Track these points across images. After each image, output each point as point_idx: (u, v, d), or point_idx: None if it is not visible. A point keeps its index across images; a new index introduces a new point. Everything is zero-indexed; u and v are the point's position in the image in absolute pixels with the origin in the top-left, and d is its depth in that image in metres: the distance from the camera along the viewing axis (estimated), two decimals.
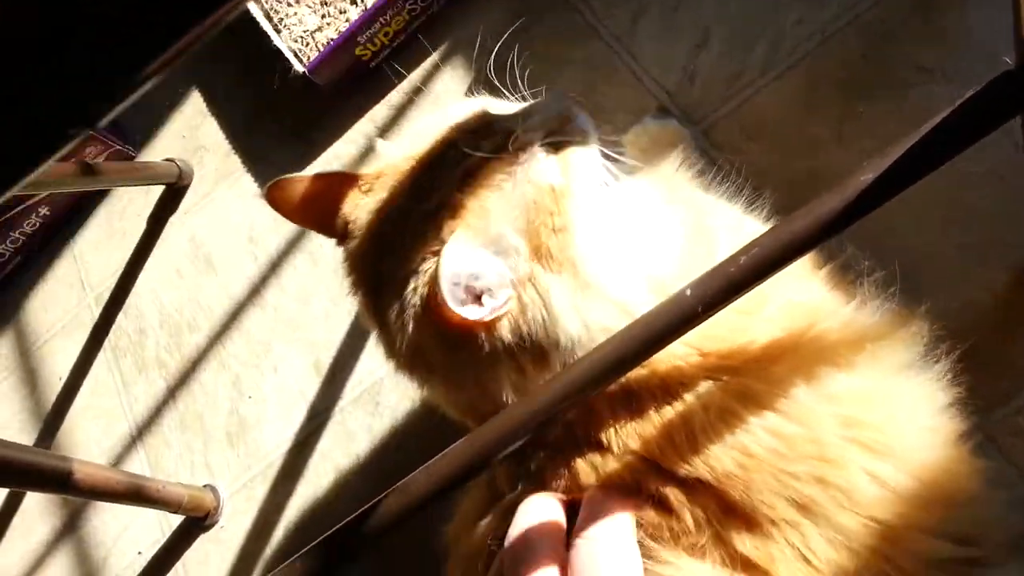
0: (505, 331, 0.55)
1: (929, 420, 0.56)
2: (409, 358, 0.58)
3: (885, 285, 0.60)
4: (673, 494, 0.52)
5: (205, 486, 0.99)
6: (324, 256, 1.05)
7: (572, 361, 0.55)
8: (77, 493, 0.84)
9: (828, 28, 0.86)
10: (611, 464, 0.54)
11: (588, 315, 0.55)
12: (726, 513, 0.52)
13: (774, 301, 0.57)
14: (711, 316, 0.52)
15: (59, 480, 0.78)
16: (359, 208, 0.63)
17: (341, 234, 0.64)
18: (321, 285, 1.04)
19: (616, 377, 0.53)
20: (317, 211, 0.65)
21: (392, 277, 0.58)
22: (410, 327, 0.56)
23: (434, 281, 0.53)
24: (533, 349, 0.55)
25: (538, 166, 0.58)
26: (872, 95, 0.82)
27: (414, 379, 0.60)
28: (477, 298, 0.55)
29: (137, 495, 0.90)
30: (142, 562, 1.00)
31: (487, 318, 0.54)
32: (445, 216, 0.57)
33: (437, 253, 0.55)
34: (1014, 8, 0.47)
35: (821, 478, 0.52)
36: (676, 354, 0.55)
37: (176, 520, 1.00)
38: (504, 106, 0.66)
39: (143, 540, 1.01)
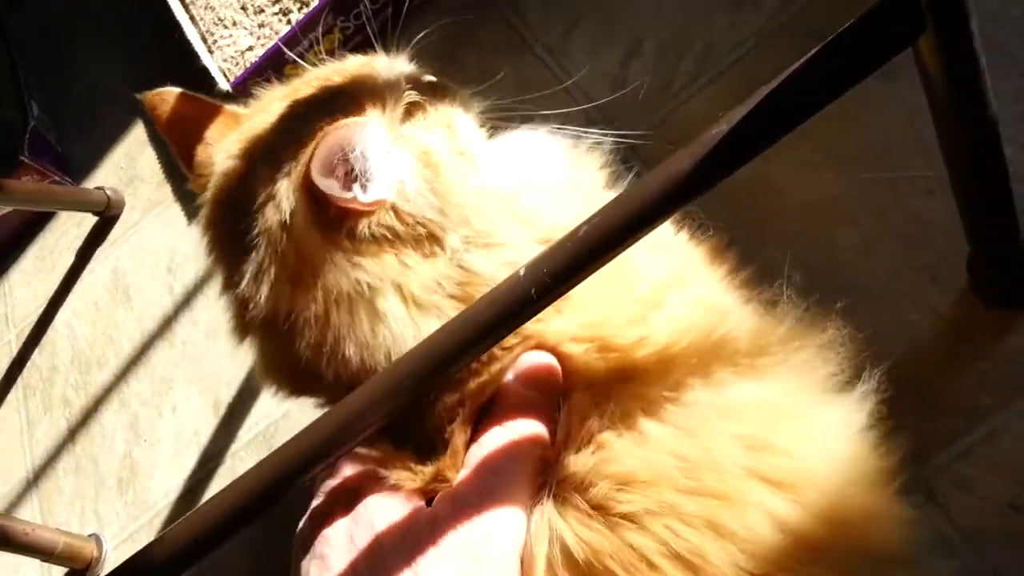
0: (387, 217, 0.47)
1: (847, 447, 0.44)
2: (266, 314, 0.49)
3: (806, 292, 0.50)
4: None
5: (90, 535, 0.90)
6: None
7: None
8: None
9: (762, 30, 0.77)
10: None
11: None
12: None
13: (679, 297, 0.48)
14: (547, 303, 0.42)
15: None
16: (222, 148, 0.55)
17: (196, 173, 0.57)
18: None
19: (450, 369, 0.43)
20: (184, 133, 0.58)
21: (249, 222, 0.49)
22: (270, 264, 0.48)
23: (311, 159, 0.45)
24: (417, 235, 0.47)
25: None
26: None
27: (263, 341, 0.51)
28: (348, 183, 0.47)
29: (5, 540, 0.81)
30: None
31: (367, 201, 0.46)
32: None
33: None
34: None
35: (715, 524, 0.41)
36: (566, 337, 0.45)
37: (58, 572, 0.90)
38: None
39: None
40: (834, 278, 0.61)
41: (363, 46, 1.02)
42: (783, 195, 0.68)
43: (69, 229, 1.18)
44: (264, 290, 0.48)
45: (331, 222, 0.47)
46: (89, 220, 1.16)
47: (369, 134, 0.47)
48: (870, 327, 0.49)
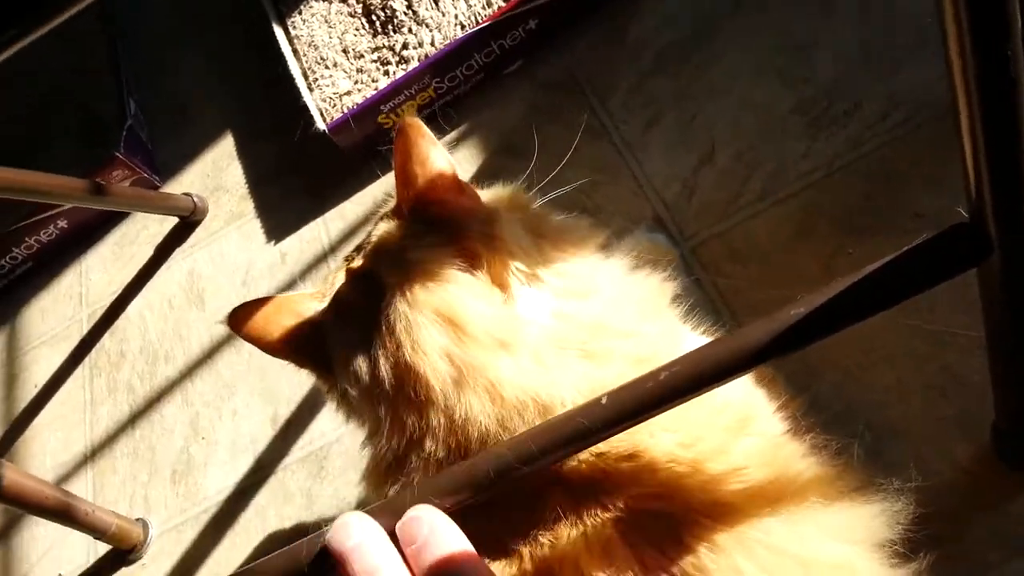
0: None
1: None
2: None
3: (841, 423, 0.57)
4: None
5: (137, 519, 0.97)
6: None
7: None
8: (3, 500, 0.83)
9: (833, 164, 0.84)
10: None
11: None
12: None
13: (755, 428, 0.54)
14: (622, 430, 0.49)
15: None
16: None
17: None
18: None
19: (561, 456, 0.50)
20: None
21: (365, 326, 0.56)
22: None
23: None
24: None
25: None
26: (866, 236, 0.79)
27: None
28: None
29: (64, 514, 0.89)
30: None
31: None
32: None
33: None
34: (962, 164, 0.45)
35: None
36: (663, 453, 0.51)
37: (104, 548, 0.97)
38: None
39: (66, 562, 0.99)
40: (866, 413, 0.68)
41: (451, 105, 1.11)
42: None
43: (150, 224, 1.26)
44: (396, 347, 0.55)
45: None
46: (171, 220, 1.24)
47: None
48: (893, 467, 0.56)
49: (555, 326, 0.54)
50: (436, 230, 0.56)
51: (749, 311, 0.74)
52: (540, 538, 0.50)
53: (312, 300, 0.63)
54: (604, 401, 0.49)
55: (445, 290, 0.53)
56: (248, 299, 1.08)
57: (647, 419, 0.49)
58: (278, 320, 0.62)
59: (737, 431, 0.54)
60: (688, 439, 0.51)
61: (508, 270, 0.55)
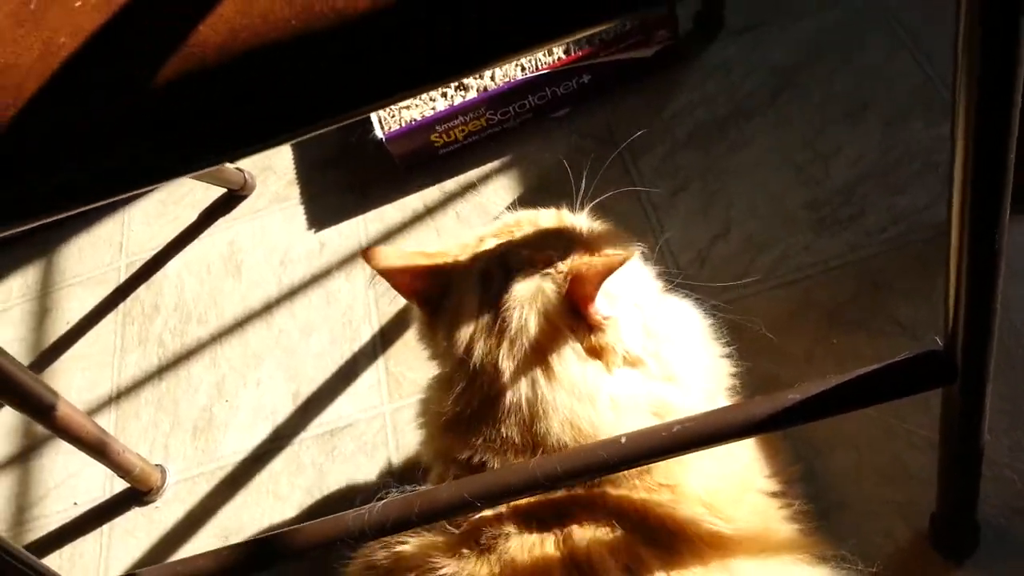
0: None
1: None
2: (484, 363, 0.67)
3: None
4: None
5: (157, 465, 1.06)
6: (339, 301, 1.15)
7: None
8: (50, 426, 0.92)
9: (831, 261, 0.96)
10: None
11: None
12: None
13: (757, 485, 0.68)
14: (635, 466, 0.61)
15: (41, 408, 0.87)
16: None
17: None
18: (327, 325, 1.13)
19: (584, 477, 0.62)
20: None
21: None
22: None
23: (594, 273, 0.63)
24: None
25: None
26: (850, 330, 0.91)
27: (455, 378, 0.69)
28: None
29: (100, 450, 0.98)
30: (75, 512, 1.06)
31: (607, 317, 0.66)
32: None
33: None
34: (945, 305, 0.56)
35: None
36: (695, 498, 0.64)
37: (120, 486, 1.06)
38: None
39: (83, 493, 1.08)
40: (824, 486, 0.80)
41: (498, 138, 1.21)
42: None
43: (196, 189, 1.35)
44: (494, 347, 0.66)
45: (575, 321, 0.66)
46: (217, 190, 1.33)
47: (627, 267, 0.66)
48: (838, 536, 0.68)
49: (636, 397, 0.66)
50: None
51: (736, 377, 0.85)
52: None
53: (442, 255, 0.74)
54: (624, 440, 0.60)
55: (555, 344, 0.65)
56: (284, 279, 1.18)
57: (657, 461, 0.60)
58: (410, 257, 0.74)
59: (745, 487, 0.66)
60: (712, 486, 0.63)
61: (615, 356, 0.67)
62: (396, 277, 0.75)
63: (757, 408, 0.60)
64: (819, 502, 0.76)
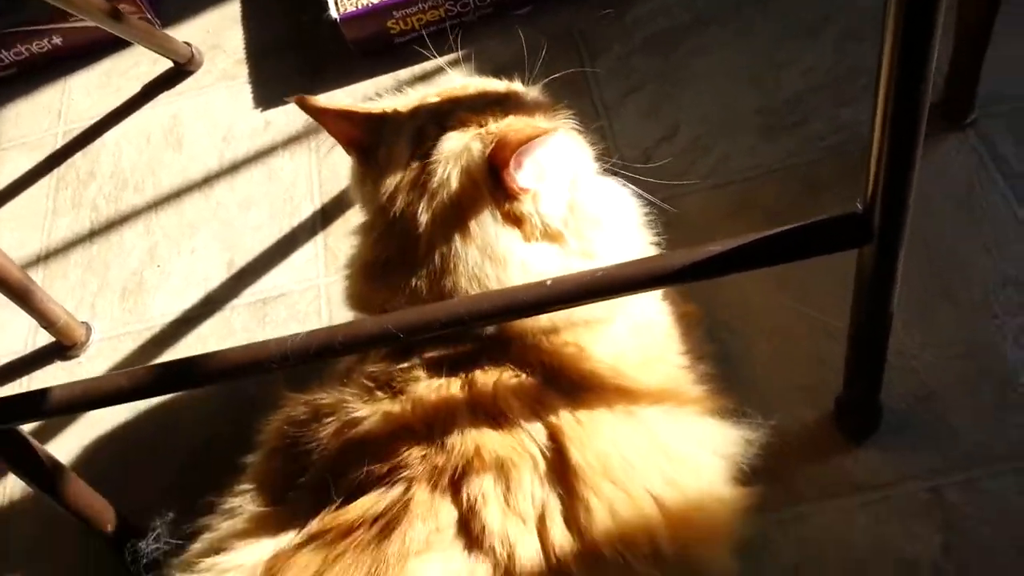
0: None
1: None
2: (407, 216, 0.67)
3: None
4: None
5: (83, 322, 1.04)
6: (281, 178, 1.13)
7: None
8: None
9: (773, 165, 0.97)
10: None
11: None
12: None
13: (670, 359, 0.71)
14: (556, 309, 0.62)
15: None
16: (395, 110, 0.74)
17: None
18: (267, 200, 1.11)
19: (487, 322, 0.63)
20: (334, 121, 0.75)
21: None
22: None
23: (516, 140, 0.63)
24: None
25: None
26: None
27: (380, 235, 0.69)
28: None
29: (23, 296, 0.95)
30: None
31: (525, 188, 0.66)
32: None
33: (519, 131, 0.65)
34: (866, 166, 0.58)
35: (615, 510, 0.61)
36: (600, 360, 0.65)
37: (43, 341, 1.04)
38: None
39: (5, 345, 1.06)
40: (740, 368, 0.83)
41: (457, 28, 1.19)
42: (745, 297, 0.89)
43: (142, 62, 1.31)
44: (416, 199, 0.66)
45: (495, 185, 0.65)
46: (163, 64, 1.29)
47: (554, 141, 0.66)
48: (750, 414, 0.71)
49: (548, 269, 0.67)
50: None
51: None
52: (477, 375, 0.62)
53: (381, 108, 0.75)
54: (549, 283, 0.61)
55: (474, 203, 0.65)
56: (227, 154, 1.16)
57: (580, 304, 0.61)
58: (348, 106, 0.75)
59: (658, 359, 0.68)
60: (620, 352, 0.66)
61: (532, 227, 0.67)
62: (331, 122, 0.74)
63: (676, 258, 0.61)
64: (731, 383, 0.78)
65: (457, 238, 0.65)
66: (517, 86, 0.79)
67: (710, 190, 0.98)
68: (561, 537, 0.59)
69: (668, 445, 0.64)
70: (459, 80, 0.80)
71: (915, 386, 0.81)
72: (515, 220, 0.67)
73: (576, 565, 0.58)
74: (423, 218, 0.66)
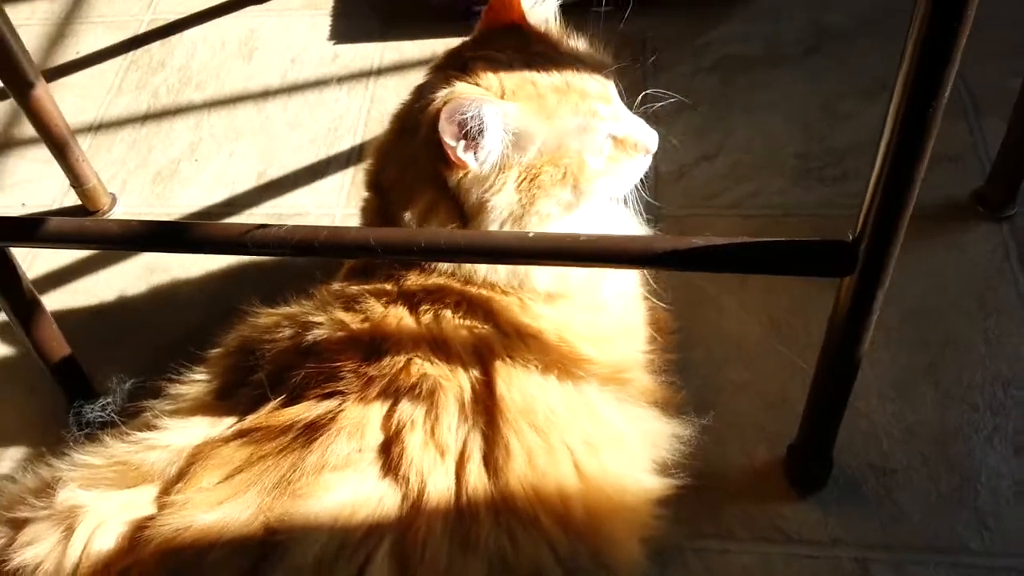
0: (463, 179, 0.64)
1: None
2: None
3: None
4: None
5: (111, 193, 1.08)
6: (332, 109, 1.16)
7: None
8: (24, 104, 0.96)
9: (796, 210, 0.97)
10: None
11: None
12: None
13: (623, 345, 0.71)
14: (536, 263, 0.63)
15: (20, 80, 0.91)
16: None
17: None
18: (314, 125, 1.15)
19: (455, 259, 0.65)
20: None
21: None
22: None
23: (452, 104, 0.60)
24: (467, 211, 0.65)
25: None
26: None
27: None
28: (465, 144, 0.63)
29: (61, 149, 1.00)
30: (20, 211, 1.09)
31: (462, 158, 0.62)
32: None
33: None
34: (862, 206, 0.58)
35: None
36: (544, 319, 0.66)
37: (70, 202, 1.09)
38: None
39: (34, 197, 1.11)
40: (705, 390, 0.82)
41: None
42: (721, 319, 0.89)
43: None
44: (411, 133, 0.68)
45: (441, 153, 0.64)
46: None
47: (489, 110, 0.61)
48: (704, 435, 0.72)
49: None
50: None
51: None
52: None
53: None
54: (531, 235, 0.62)
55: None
56: (289, 75, 1.19)
57: (557, 265, 0.62)
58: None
59: (607, 340, 0.68)
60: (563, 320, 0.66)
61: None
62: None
63: (660, 243, 0.62)
64: (696, 407, 0.78)
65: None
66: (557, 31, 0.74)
67: (732, 218, 0.98)
68: (477, 478, 0.60)
69: (597, 411, 0.64)
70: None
71: (876, 455, 0.79)
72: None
73: (486, 509, 0.59)
74: (404, 153, 0.67)
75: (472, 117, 0.60)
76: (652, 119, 1.09)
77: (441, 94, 0.63)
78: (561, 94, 0.65)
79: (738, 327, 0.88)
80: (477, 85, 0.64)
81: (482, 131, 0.61)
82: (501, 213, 0.64)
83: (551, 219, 0.65)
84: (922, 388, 0.83)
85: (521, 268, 0.65)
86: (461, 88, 0.63)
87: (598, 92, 0.66)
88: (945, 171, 0.98)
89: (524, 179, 0.64)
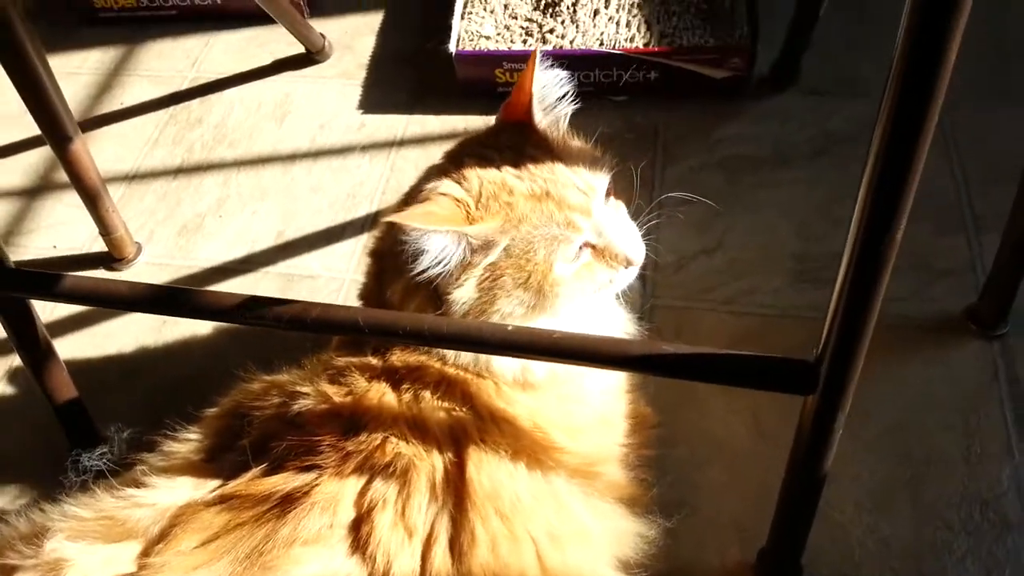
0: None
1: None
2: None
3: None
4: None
5: (136, 242, 1.14)
6: (354, 176, 1.22)
7: None
8: (60, 155, 1.01)
9: (789, 311, 0.99)
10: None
11: None
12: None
13: (598, 437, 0.73)
14: (510, 355, 0.66)
15: (58, 134, 0.96)
16: None
17: None
18: (334, 190, 1.20)
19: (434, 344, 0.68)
20: None
21: None
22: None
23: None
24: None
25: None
26: None
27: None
28: None
29: (93, 199, 1.06)
30: (50, 254, 1.16)
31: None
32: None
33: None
34: (824, 328, 0.60)
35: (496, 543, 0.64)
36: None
37: (98, 248, 1.15)
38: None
39: (65, 240, 1.17)
40: (685, 489, 0.84)
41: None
42: (705, 418, 0.91)
43: (280, 40, 1.43)
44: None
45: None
46: (297, 47, 1.41)
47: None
48: (680, 532, 0.73)
49: None
50: None
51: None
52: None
53: None
54: (509, 328, 0.65)
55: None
56: (317, 140, 1.25)
57: (530, 359, 0.65)
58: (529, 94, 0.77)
59: (579, 432, 0.71)
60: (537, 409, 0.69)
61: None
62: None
63: (633, 347, 0.64)
64: (678, 505, 0.80)
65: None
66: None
67: (725, 314, 1.00)
68: (441, 562, 0.62)
69: (563, 502, 0.67)
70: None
71: (848, 566, 0.80)
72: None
73: None
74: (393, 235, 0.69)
75: (412, 242, 0.64)
76: (657, 209, 1.13)
77: (409, 210, 0.67)
78: (536, 201, 0.67)
79: (723, 427, 0.90)
80: (460, 184, 0.69)
81: (418, 255, 0.65)
82: (463, 306, 0.67)
83: (514, 318, 0.68)
84: (899, 502, 0.84)
85: (482, 355, 0.68)
86: (410, 217, 0.65)
87: (579, 204, 0.68)
88: (942, 285, 1.00)
89: (487, 278, 0.67)
